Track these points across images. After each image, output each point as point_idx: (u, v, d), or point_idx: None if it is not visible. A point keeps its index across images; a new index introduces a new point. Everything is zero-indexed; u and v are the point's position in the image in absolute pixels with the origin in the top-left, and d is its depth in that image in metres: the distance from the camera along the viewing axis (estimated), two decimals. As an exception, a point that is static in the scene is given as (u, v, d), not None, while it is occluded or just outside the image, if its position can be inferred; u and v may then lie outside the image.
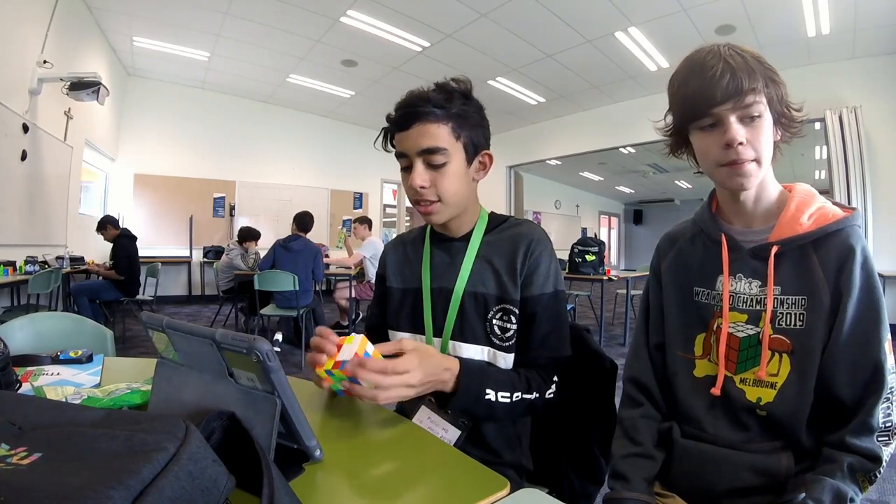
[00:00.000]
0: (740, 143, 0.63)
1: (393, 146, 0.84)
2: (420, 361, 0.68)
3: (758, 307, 0.69)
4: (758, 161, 0.65)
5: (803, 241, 0.66)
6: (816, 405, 0.65)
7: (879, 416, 0.61)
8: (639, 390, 0.81)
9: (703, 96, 0.63)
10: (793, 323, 0.66)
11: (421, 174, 0.79)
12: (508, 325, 0.82)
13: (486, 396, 0.75)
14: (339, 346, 0.67)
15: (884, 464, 0.62)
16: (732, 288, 0.71)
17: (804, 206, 0.68)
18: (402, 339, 0.73)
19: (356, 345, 0.66)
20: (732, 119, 0.63)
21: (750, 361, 0.69)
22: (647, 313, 0.85)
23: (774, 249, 0.67)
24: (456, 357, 0.79)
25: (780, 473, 0.65)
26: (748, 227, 0.73)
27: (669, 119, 0.74)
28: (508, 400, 0.76)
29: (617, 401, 0.92)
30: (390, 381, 0.64)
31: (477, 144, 0.83)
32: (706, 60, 0.64)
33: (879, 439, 0.61)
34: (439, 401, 0.76)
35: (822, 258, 0.65)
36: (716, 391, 0.70)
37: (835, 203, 0.70)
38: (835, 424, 0.64)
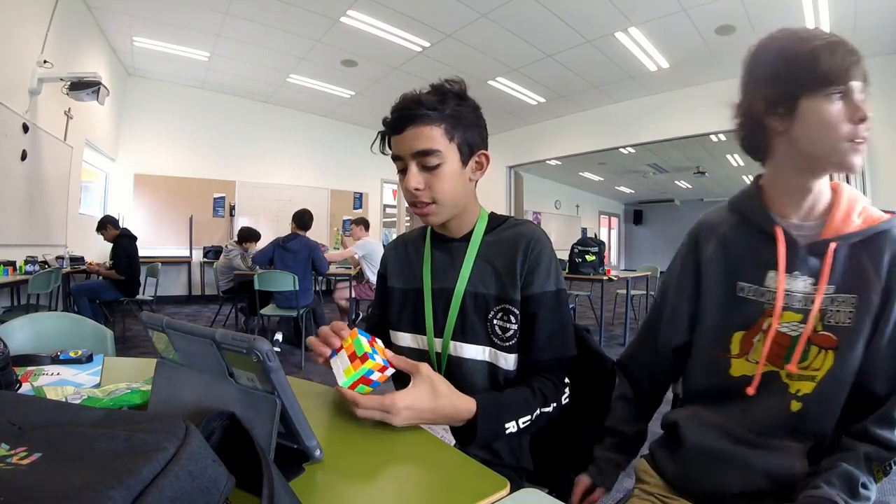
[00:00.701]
0: (863, 119, 0.62)
1: (390, 148, 0.84)
2: (406, 404, 0.64)
3: (809, 306, 0.67)
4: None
5: (855, 239, 0.65)
6: (851, 399, 0.65)
7: None
8: (622, 371, 0.88)
9: (841, 65, 0.61)
10: (842, 320, 0.65)
11: (415, 176, 0.79)
12: (509, 326, 0.82)
13: (508, 430, 0.73)
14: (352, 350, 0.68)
15: None
16: (788, 286, 0.68)
17: (854, 203, 0.68)
18: (422, 366, 0.70)
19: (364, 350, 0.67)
20: (862, 97, 0.62)
21: (792, 357, 0.69)
22: (662, 311, 0.82)
23: (833, 246, 0.65)
24: (462, 367, 0.80)
25: (793, 476, 0.65)
26: (804, 220, 0.70)
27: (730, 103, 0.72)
28: (529, 422, 0.75)
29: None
30: (364, 413, 0.63)
31: (472, 145, 0.83)
32: (813, 46, 0.63)
33: None
34: (455, 434, 0.74)
35: (872, 256, 0.64)
36: (751, 390, 0.69)
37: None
38: (861, 416, 0.64)
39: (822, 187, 0.69)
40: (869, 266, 0.64)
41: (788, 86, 0.64)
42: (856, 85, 0.62)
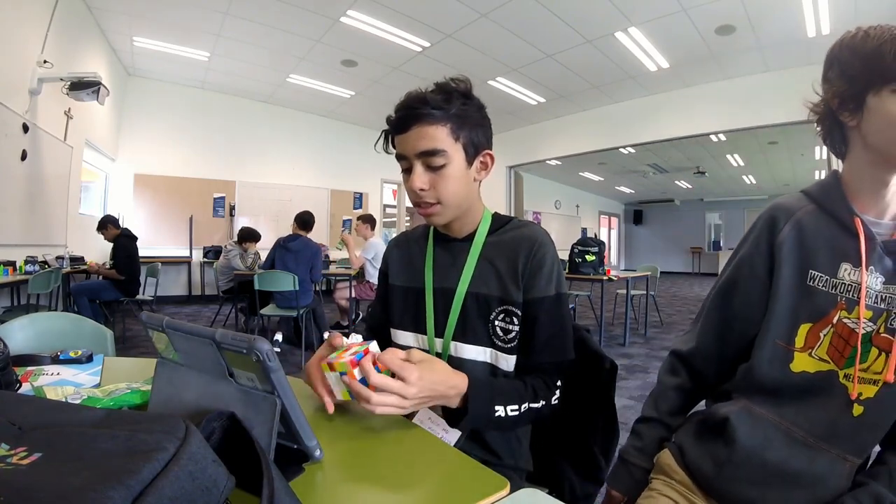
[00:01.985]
0: None
1: (394, 147, 0.83)
2: (420, 375, 0.64)
3: (881, 305, 0.65)
4: None
5: None
6: None
7: None
8: (682, 364, 0.83)
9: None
10: None
11: (420, 176, 0.79)
12: (511, 327, 0.82)
13: (497, 413, 0.73)
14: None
15: None
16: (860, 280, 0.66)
17: None
18: (413, 351, 0.70)
19: (356, 349, 0.66)
20: None
21: (856, 358, 0.66)
22: (732, 297, 0.77)
23: None
24: (462, 367, 0.79)
25: (838, 486, 0.64)
26: (880, 217, 0.68)
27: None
28: (517, 412, 0.75)
29: (617, 401, 0.92)
30: (379, 398, 0.62)
31: (477, 144, 0.82)
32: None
33: None
34: (448, 417, 0.74)
35: None
36: (813, 389, 0.67)
37: None
38: None
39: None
40: None
41: (856, 82, 0.65)
42: None
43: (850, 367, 0.66)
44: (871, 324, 0.65)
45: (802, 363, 0.68)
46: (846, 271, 0.67)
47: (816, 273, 0.69)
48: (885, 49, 0.62)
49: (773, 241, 0.73)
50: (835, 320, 0.67)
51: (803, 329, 0.69)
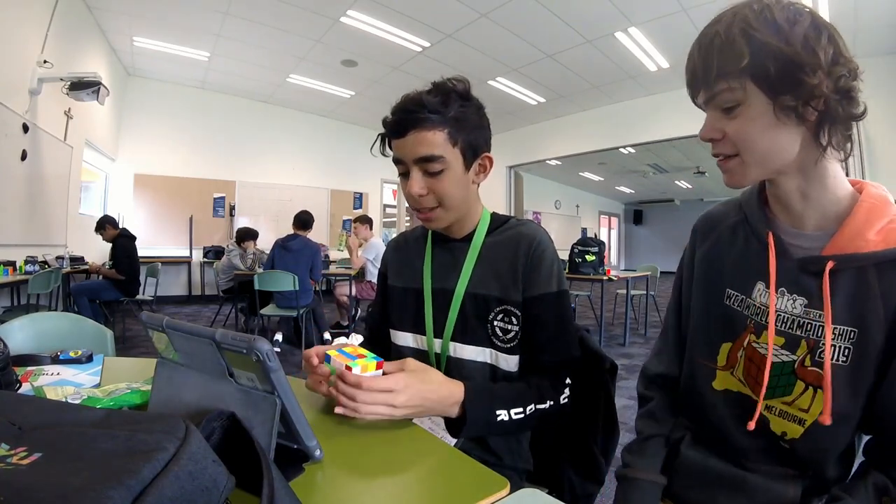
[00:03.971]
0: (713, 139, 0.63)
1: (391, 149, 0.82)
2: (406, 384, 0.65)
3: (797, 332, 0.58)
4: (739, 157, 0.59)
5: (866, 262, 0.54)
6: (878, 440, 0.58)
7: None
8: (658, 387, 0.77)
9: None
10: (836, 357, 0.55)
11: (418, 182, 0.78)
12: (510, 327, 0.81)
13: (499, 417, 0.72)
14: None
15: None
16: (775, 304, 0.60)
17: (875, 216, 0.55)
18: (409, 360, 0.71)
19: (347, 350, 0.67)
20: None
21: (779, 389, 0.60)
22: (679, 308, 0.76)
23: (829, 265, 0.55)
24: (462, 368, 0.79)
25: (786, 495, 0.61)
26: (797, 227, 0.60)
27: None
28: (522, 415, 0.74)
29: (617, 401, 0.92)
30: (367, 397, 0.62)
31: (476, 148, 0.81)
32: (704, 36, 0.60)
33: None
34: (449, 427, 0.74)
35: (886, 286, 0.53)
36: (751, 425, 0.60)
37: None
38: (884, 465, 0.56)
39: (807, 191, 0.58)
40: (878, 297, 0.53)
41: None
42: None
43: (773, 399, 0.60)
44: (785, 352, 0.59)
45: (723, 381, 0.66)
46: (759, 292, 0.62)
47: (732, 292, 0.65)
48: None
49: (693, 256, 0.72)
50: (745, 343, 0.63)
51: (724, 348, 0.66)
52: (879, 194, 0.57)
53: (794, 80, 0.51)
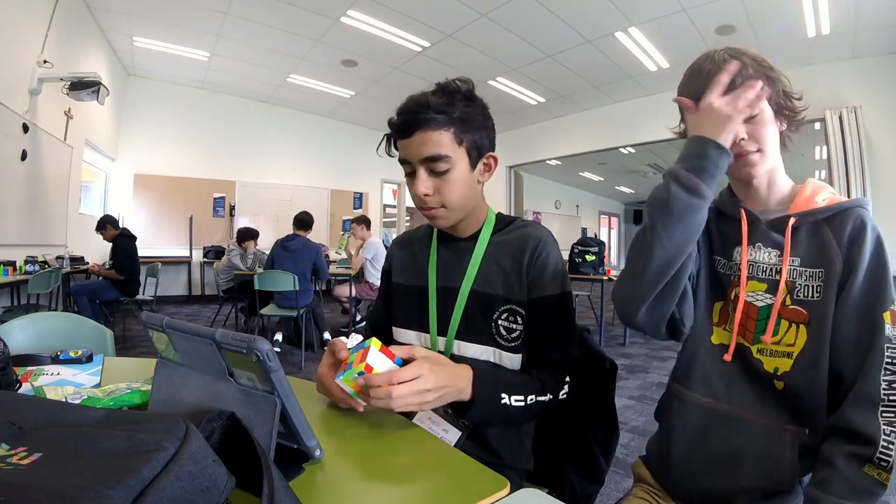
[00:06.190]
0: (742, 139, 0.69)
1: (396, 149, 0.83)
2: (430, 367, 0.66)
3: (777, 277, 0.71)
4: (761, 151, 0.71)
5: (818, 217, 0.69)
6: (829, 385, 0.66)
7: (881, 388, 0.61)
8: None
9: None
10: (810, 295, 0.68)
11: (424, 182, 0.79)
12: (514, 326, 0.82)
13: (503, 400, 0.73)
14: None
15: (882, 443, 0.58)
16: (752, 257, 0.73)
17: (818, 191, 0.72)
18: (415, 346, 0.72)
19: (365, 350, 0.65)
20: None
21: (768, 330, 0.70)
22: None
23: (792, 221, 0.70)
24: (463, 361, 0.79)
25: (781, 468, 0.66)
26: (763, 207, 0.76)
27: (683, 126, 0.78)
28: (523, 403, 0.75)
29: (617, 401, 0.93)
30: (399, 390, 0.62)
31: (481, 147, 0.82)
32: (702, 66, 0.71)
33: (884, 415, 0.59)
34: (456, 411, 0.75)
35: (836, 232, 0.68)
36: (727, 357, 0.73)
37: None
38: (838, 403, 0.64)
39: (771, 182, 0.75)
40: (833, 241, 0.68)
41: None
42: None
43: (761, 343, 0.71)
44: (768, 296, 0.71)
45: (719, 336, 0.77)
46: (738, 252, 0.75)
47: (718, 258, 0.79)
48: (685, 97, 0.73)
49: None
50: (733, 296, 0.75)
51: (717, 307, 0.78)
52: (818, 182, 0.75)
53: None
